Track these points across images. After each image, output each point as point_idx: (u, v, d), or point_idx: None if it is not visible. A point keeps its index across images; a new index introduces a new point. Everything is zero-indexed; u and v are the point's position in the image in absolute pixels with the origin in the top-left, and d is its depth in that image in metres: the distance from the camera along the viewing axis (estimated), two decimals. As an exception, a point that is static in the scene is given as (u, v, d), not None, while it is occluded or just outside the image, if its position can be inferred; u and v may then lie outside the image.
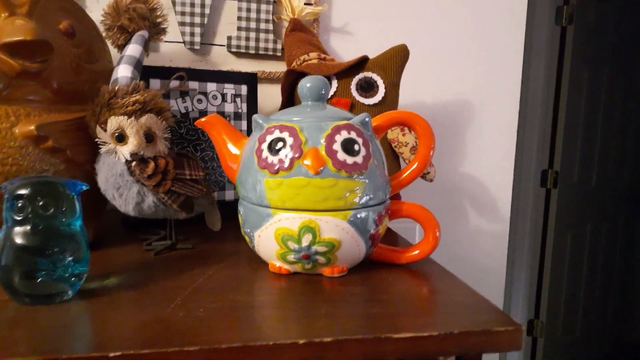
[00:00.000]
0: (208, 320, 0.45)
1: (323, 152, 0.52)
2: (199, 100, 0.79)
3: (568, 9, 1.69)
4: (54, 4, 0.62)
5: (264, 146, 0.54)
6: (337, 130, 0.53)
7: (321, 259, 0.54)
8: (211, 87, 0.80)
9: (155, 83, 0.76)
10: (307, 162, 0.52)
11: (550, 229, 1.79)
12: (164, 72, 0.77)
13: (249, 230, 0.57)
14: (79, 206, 0.50)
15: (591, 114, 1.87)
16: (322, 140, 0.53)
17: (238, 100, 0.82)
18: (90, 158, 0.61)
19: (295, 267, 0.56)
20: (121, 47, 0.62)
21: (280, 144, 0.53)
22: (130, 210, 0.60)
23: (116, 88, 0.58)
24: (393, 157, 0.82)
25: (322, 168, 0.51)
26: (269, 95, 0.91)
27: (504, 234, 1.15)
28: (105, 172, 0.59)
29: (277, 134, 0.54)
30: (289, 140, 0.53)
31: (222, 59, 0.88)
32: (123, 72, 0.60)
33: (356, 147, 0.53)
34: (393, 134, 0.81)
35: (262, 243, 0.56)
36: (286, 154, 0.52)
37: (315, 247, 0.53)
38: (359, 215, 0.54)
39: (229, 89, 0.81)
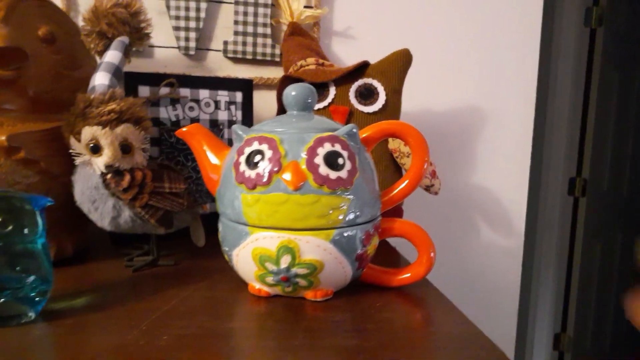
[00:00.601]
0: (169, 351, 0.41)
1: (304, 166, 0.48)
2: (191, 108, 0.76)
3: (597, 10, 1.62)
4: (33, 9, 0.59)
5: (242, 159, 0.50)
6: (319, 142, 0.49)
7: (302, 282, 0.50)
8: (204, 94, 0.76)
9: (144, 90, 0.74)
10: (286, 176, 0.48)
11: (578, 239, 1.72)
12: (154, 79, 0.74)
13: (227, 249, 0.53)
14: (42, 222, 0.47)
15: (622, 119, 1.78)
16: (303, 154, 0.49)
17: (232, 107, 0.78)
18: (67, 170, 0.58)
19: (275, 289, 0.52)
20: (101, 54, 0.59)
21: (258, 157, 0.49)
22: (107, 225, 0.57)
23: (92, 97, 0.55)
24: (394, 169, 0.77)
25: (302, 183, 0.47)
26: (267, 102, 0.87)
27: (517, 249, 1.09)
28: (81, 184, 0.56)
29: (255, 145, 0.50)
30: (268, 153, 0.49)
31: (218, 65, 0.85)
32: (100, 80, 0.57)
33: (340, 160, 0.49)
34: (394, 143, 0.76)
35: (240, 263, 0.52)
36: (264, 167, 0.48)
37: (295, 269, 0.49)
38: (343, 235, 0.49)
39: (223, 96, 0.78)
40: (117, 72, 0.58)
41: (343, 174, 0.49)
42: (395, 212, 0.78)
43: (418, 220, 0.58)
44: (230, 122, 0.78)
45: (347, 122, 0.74)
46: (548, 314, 1.76)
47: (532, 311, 1.82)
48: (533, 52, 1.04)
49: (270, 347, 0.43)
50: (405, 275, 0.55)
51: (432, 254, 0.54)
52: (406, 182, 0.55)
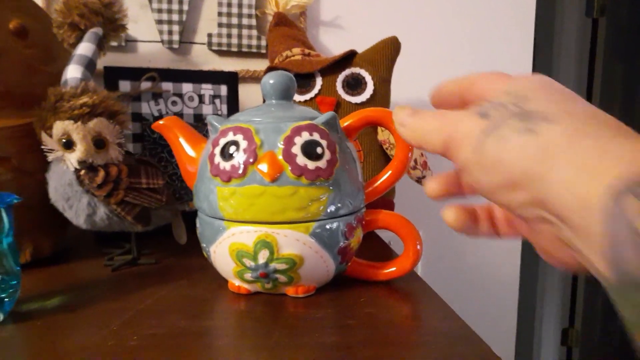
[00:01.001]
0: (137, 351, 0.39)
1: (280, 157, 0.46)
2: (174, 103, 0.74)
3: (599, 0, 1.58)
4: (3, 2, 0.58)
5: (217, 151, 0.48)
6: (297, 131, 0.47)
7: (282, 278, 0.48)
8: (187, 87, 0.74)
9: (125, 85, 0.72)
10: (262, 167, 0.45)
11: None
12: (135, 73, 0.72)
13: (205, 245, 0.51)
14: (8, 221, 0.45)
15: (626, 113, 1.74)
16: (280, 143, 0.46)
17: (217, 101, 0.76)
18: (42, 167, 0.56)
19: (254, 286, 0.50)
20: (74, 46, 0.57)
21: (233, 148, 0.47)
22: (82, 223, 0.55)
23: (63, 90, 0.54)
24: (385, 161, 0.75)
25: (279, 174, 0.45)
26: (253, 95, 0.85)
27: (516, 241, 1.07)
28: (54, 181, 0.55)
29: (230, 136, 0.48)
30: (243, 144, 0.47)
31: (203, 58, 0.83)
32: (72, 73, 0.55)
33: (319, 150, 0.47)
34: (384, 134, 0.74)
35: (218, 260, 0.50)
36: (239, 159, 0.46)
37: (273, 265, 0.47)
38: (324, 228, 0.47)
39: (207, 89, 0.75)
40: (89, 65, 0.57)
41: (322, 164, 0.46)
42: (386, 205, 0.75)
43: (411, 214, 0.55)
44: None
45: (334, 113, 0.72)
46: (555, 308, 1.73)
47: (539, 306, 1.79)
48: (527, 43, 1.01)
49: (245, 345, 0.41)
50: (391, 269, 0.52)
51: (418, 246, 0.52)
52: (389, 172, 0.53)
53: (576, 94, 0.27)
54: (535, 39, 1.04)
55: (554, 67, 1.65)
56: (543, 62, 1.60)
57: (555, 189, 0.24)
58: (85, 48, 0.57)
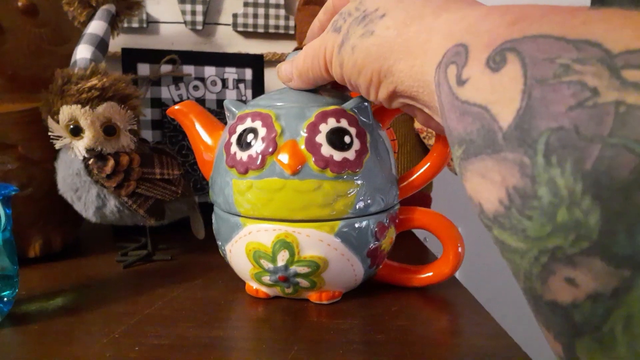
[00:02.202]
0: (137, 366, 0.34)
1: (303, 146, 0.40)
2: (196, 87, 0.69)
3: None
4: (12, -23, 0.54)
5: (234, 139, 0.43)
6: (322, 117, 0.41)
7: (303, 282, 0.43)
8: (209, 71, 0.70)
9: (144, 68, 0.67)
10: (282, 158, 0.40)
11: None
12: (155, 56, 0.67)
13: (220, 243, 0.46)
14: (4, 214, 0.41)
15: None
16: (303, 131, 0.41)
17: (241, 86, 0.71)
18: (50, 155, 0.52)
19: (274, 290, 0.45)
20: (84, 25, 0.53)
21: (251, 136, 0.42)
22: (91, 215, 0.51)
23: (71, 72, 0.49)
24: (422, 151, 0.69)
25: (301, 166, 0.40)
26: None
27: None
28: (62, 171, 0.51)
29: (248, 123, 0.43)
30: (262, 132, 0.41)
31: (228, 40, 0.78)
32: (82, 54, 0.51)
33: (347, 138, 0.41)
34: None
35: (234, 260, 0.45)
36: (257, 148, 0.41)
37: (294, 268, 0.41)
38: (352, 227, 0.41)
39: (231, 73, 0.70)
40: (101, 45, 0.52)
41: (350, 154, 0.41)
42: (422, 200, 0.69)
43: (450, 210, 0.49)
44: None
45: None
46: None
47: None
48: None
49: (259, 362, 0.36)
50: (428, 274, 0.47)
51: (459, 250, 0.46)
52: (428, 164, 0.46)
53: None
54: None
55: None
56: None
57: (401, 78, 0.28)
58: (96, 27, 0.52)
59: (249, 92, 0.72)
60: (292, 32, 0.78)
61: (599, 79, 0.16)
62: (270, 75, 0.76)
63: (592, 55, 0.16)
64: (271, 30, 0.77)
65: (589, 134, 0.15)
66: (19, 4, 0.53)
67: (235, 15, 0.76)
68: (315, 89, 0.45)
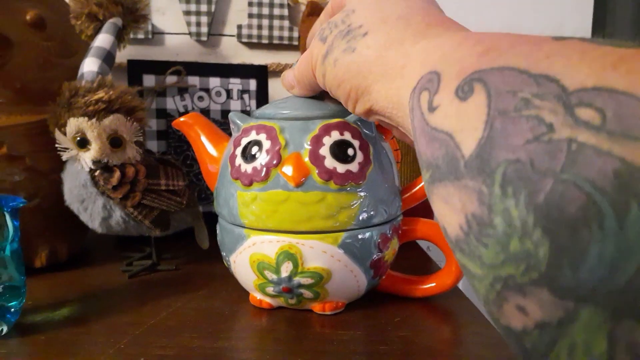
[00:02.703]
0: (142, 377, 0.35)
1: (307, 159, 0.41)
2: (200, 98, 0.70)
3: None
4: (21, -8, 0.55)
5: (238, 151, 0.44)
6: (326, 130, 0.42)
7: (307, 293, 0.43)
8: (214, 82, 0.70)
9: (149, 79, 0.68)
10: (286, 170, 0.41)
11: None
12: (160, 67, 0.68)
13: (225, 254, 0.47)
14: (13, 226, 0.42)
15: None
16: (307, 144, 0.41)
17: (246, 96, 0.72)
18: (57, 166, 0.53)
19: (277, 301, 0.45)
20: (92, 38, 0.54)
21: (255, 149, 0.42)
22: (97, 226, 0.52)
23: (78, 85, 0.50)
24: (425, 161, 0.69)
25: (304, 179, 0.40)
26: (284, 90, 0.80)
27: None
28: (69, 182, 0.51)
29: (253, 135, 0.43)
30: (266, 144, 0.42)
31: (232, 51, 0.79)
32: (89, 66, 0.52)
33: (350, 151, 0.42)
34: (424, 132, 0.68)
35: (238, 271, 0.45)
36: (262, 160, 0.42)
37: (297, 279, 0.42)
38: (355, 238, 0.42)
39: (235, 84, 0.71)
40: (107, 58, 0.53)
41: (353, 166, 0.41)
42: (424, 211, 0.69)
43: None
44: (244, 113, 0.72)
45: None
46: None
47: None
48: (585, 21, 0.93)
49: (263, 373, 0.36)
50: (430, 285, 0.47)
51: (462, 260, 0.46)
52: (431, 175, 0.47)
53: None
54: None
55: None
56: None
57: (377, 99, 0.28)
58: (103, 40, 0.53)
59: (253, 103, 0.72)
60: (296, 43, 0.79)
61: (555, 115, 0.16)
62: (275, 86, 0.77)
63: (550, 91, 0.16)
64: (275, 41, 0.78)
65: (542, 168, 0.16)
66: (27, 17, 0.54)
67: (239, 27, 0.77)
68: (321, 96, 0.46)
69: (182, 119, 0.50)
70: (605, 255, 0.14)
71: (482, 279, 0.18)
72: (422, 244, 0.67)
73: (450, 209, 0.20)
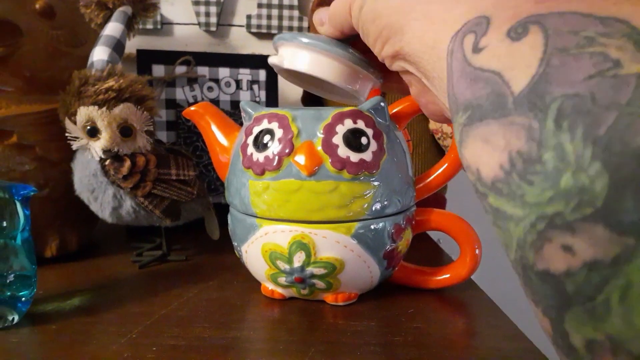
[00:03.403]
0: (154, 367, 0.34)
1: (320, 147, 0.40)
2: (210, 88, 0.70)
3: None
4: (30, -20, 0.54)
5: (250, 140, 0.43)
6: (339, 118, 0.41)
7: (320, 284, 0.43)
8: (224, 72, 0.70)
9: (159, 69, 0.68)
10: (299, 159, 0.40)
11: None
12: (169, 57, 0.68)
13: (236, 244, 0.46)
14: (24, 214, 0.41)
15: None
16: (320, 132, 0.41)
17: (255, 87, 0.71)
18: (67, 156, 0.52)
19: (290, 291, 0.45)
20: (101, 27, 0.53)
21: (267, 137, 0.42)
22: (107, 216, 0.52)
23: (88, 73, 0.50)
24: (437, 152, 0.68)
25: (317, 167, 0.40)
26: (294, 81, 0.80)
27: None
28: (79, 172, 0.51)
29: (265, 124, 0.43)
30: (278, 133, 0.41)
31: (242, 42, 0.78)
32: (99, 55, 0.51)
33: (364, 140, 0.41)
34: (436, 123, 0.67)
35: (250, 261, 0.45)
36: (274, 149, 0.41)
37: (310, 269, 0.41)
38: (368, 228, 0.41)
39: (245, 74, 0.71)
40: (117, 47, 0.52)
41: (367, 155, 0.41)
42: (437, 202, 0.69)
43: (465, 211, 0.49)
44: (253, 103, 0.71)
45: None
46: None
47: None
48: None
49: (276, 363, 0.36)
50: (444, 276, 0.46)
51: (477, 251, 0.45)
52: (445, 165, 0.46)
53: None
54: None
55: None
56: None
57: (410, 40, 0.27)
58: (113, 28, 0.53)
59: (263, 94, 0.72)
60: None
61: (623, 52, 0.16)
62: (284, 77, 0.76)
63: (618, 30, 0.16)
64: (285, 32, 0.77)
65: (605, 102, 0.15)
66: (37, 6, 0.53)
67: (249, 17, 0.77)
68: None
69: (192, 108, 0.50)
70: None
71: (520, 219, 0.18)
72: (434, 236, 0.67)
73: (490, 147, 0.19)
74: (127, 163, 0.49)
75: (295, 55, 0.40)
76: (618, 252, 0.15)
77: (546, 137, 0.17)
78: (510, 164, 0.18)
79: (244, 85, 0.71)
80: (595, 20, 0.17)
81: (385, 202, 0.42)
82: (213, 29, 0.76)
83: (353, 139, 0.41)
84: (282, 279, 0.43)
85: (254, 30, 0.77)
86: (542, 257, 0.17)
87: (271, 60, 0.43)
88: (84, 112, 0.48)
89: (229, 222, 0.47)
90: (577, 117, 0.16)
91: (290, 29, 0.77)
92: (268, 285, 0.46)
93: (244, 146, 0.43)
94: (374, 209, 0.41)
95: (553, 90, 0.17)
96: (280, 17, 0.77)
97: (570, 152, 0.16)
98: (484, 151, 0.20)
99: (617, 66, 0.15)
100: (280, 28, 0.77)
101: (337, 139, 0.40)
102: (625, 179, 0.14)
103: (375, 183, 0.41)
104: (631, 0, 0.17)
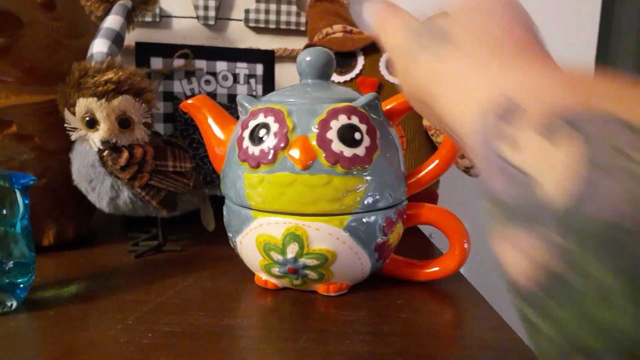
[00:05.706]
0: (149, 350, 0.36)
1: (314, 142, 0.41)
2: (207, 82, 0.70)
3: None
4: (31, -29, 0.55)
5: (246, 134, 0.44)
6: (333, 114, 0.42)
7: (312, 275, 0.44)
8: (221, 66, 0.71)
9: (157, 62, 0.68)
10: (293, 153, 0.41)
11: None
12: (168, 50, 0.69)
13: (231, 235, 0.47)
14: (22, 203, 0.42)
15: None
16: (314, 127, 0.42)
17: (252, 81, 0.72)
18: (65, 146, 0.53)
19: (283, 281, 0.46)
20: (101, 19, 0.54)
21: (263, 131, 0.43)
22: (105, 206, 0.53)
23: (87, 65, 0.50)
24: (429, 148, 0.69)
25: (311, 162, 0.41)
26: (291, 75, 0.80)
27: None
28: (77, 162, 0.52)
29: (261, 118, 0.44)
30: (274, 127, 0.42)
31: (240, 36, 0.79)
32: (98, 47, 0.52)
33: (357, 135, 0.42)
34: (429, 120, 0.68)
35: (245, 251, 0.46)
36: (269, 143, 0.42)
37: (303, 260, 0.43)
38: (360, 221, 0.43)
39: (242, 68, 0.72)
40: (117, 39, 0.53)
41: (360, 151, 0.42)
42: (429, 197, 0.70)
43: (456, 207, 0.50)
44: (250, 97, 0.72)
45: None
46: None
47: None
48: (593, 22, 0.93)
49: (268, 350, 0.37)
50: (434, 269, 0.47)
51: (465, 245, 0.46)
52: (436, 161, 0.47)
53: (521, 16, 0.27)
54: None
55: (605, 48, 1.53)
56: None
57: (444, 109, 0.26)
58: (112, 21, 0.53)
59: (260, 88, 0.73)
60: (303, 28, 0.79)
61: None
62: (281, 71, 0.77)
63: None
64: (282, 26, 0.78)
65: None
66: (37, -3, 0.54)
67: (247, 11, 0.77)
68: (326, 87, 0.46)
69: (189, 101, 0.51)
70: None
71: (550, 339, 0.17)
72: (425, 231, 0.68)
73: (519, 255, 0.18)
74: (125, 154, 0.50)
75: None
76: None
77: (577, 260, 0.16)
78: (537, 279, 0.17)
79: (241, 79, 0.71)
80: (634, 134, 0.16)
81: (377, 196, 0.43)
82: (211, 22, 0.77)
83: (347, 134, 0.42)
84: (276, 270, 0.44)
85: (252, 24, 0.78)
86: None
87: None
88: (83, 104, 0.49)
89: (224, 213, 0.48)
90: (614, 246, 0.15)
91: (288, 23, 0.78)
92: (262, 276, 0.47)
93: (240, 139, 0.44)
94: (366, 202, 0.42)
95: (591, 213, 0.16)
96: (278, 12, 0.78)
97: (603, 285, 0.15)
98: (512, 255, 0.19)
99: None
100: (278, 23, 0.78)
101: (332, 134, 0.41)
102: None
103: (368, 177, 0.42)
104: None
